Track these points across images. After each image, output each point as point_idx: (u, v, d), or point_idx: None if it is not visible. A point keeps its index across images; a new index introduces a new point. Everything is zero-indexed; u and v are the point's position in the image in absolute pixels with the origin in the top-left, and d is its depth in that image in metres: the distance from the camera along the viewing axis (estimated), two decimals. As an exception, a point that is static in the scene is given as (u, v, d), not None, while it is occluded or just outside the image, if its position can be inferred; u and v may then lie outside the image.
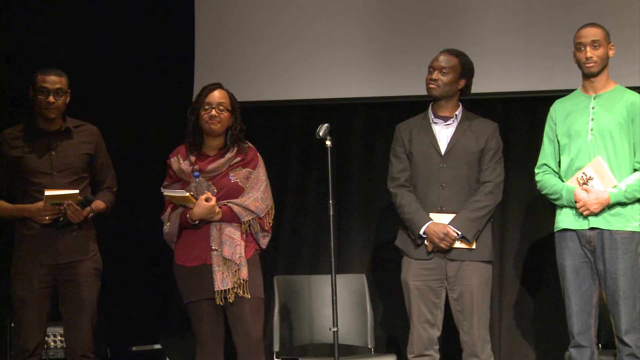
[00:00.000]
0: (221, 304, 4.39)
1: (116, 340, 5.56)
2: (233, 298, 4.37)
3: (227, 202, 4.43)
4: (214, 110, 4.46)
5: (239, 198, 4.46)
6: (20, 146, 4.61)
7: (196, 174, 4.42)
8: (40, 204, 4.49)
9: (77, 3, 5.82)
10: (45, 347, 5.13)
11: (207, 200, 4.37)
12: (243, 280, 4.38)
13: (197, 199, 4.38)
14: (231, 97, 4.55)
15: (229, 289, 4.37)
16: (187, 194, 4.36)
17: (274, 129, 5.99)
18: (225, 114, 4.49)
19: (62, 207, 4.49)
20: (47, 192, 4.44)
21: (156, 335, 5.73)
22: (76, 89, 4.73)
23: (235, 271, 4.38)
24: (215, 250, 4.39)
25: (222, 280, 4.36)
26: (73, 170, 4.64)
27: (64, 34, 5.76)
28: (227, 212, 4.42)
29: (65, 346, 4.77)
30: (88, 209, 4.57)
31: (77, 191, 4.52)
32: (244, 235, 4.46)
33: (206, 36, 5.97)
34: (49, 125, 4.64)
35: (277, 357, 5.14)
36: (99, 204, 4.69)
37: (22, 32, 5.68)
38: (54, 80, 4.59)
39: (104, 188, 4.79)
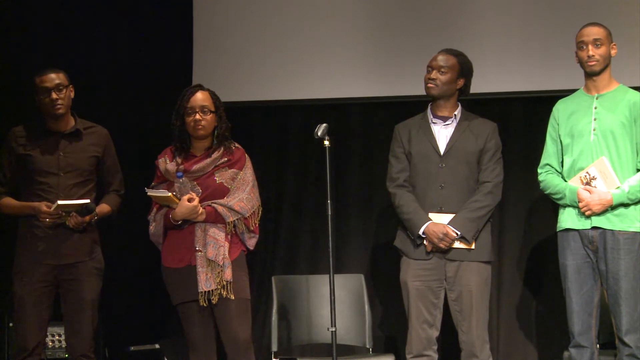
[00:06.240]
0: (205, 305, 4.38)
1: (114, 340, 5.56)
2: (217, 299, 4.36)
3: (212, 202, 4.42)
4: (197, 114, 4.44)
5: (224, 198, 4.45)
6: (29, 144, 4.62)
7: (179, 174, 4.41)
8: (44, 204, 4.49)
9: (76, 3, 5.82)
10: (45, 346, 5.13)
11: (189, 200, 4.36)
12: (226, 281, 4.37)
13: (180, 199, 4.38)
14: (213, 96, 4.52)
15: (212, 290, 4.36)
16: (169, 194, 4.35)
17: (272, 129, 6.00)
18: (209, 116, 4.47)
19: (64, 215, 4.50)
20: (60, 202, 4.44)
21: (154, 335, 5.72)
22: (75, 90, 4.72)
23: (219, 272, 4.36)
24: (200, 251, 4.38)
25: (206, 282, 4.35)
26: (79, 171, 4.64)
27: (63, 34, 5.76)
28: (212, 213, 4.40)
29: (64, 346, 4.77)
30: (92, 213, 4.57)
31: (88, 201, 4.53)
32: (229, 237, 4.44)
33: (204, 37, 5.97)
34: (58, 126, 4.64)
35: (275, 357, 5.14)
36: (103, 208, 4.69)
37: (22, 33, 5.69)
38: (52, 78, 4.59)
39: (111, 191, 4.79)
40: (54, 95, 4.57)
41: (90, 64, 5.76)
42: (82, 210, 4.52)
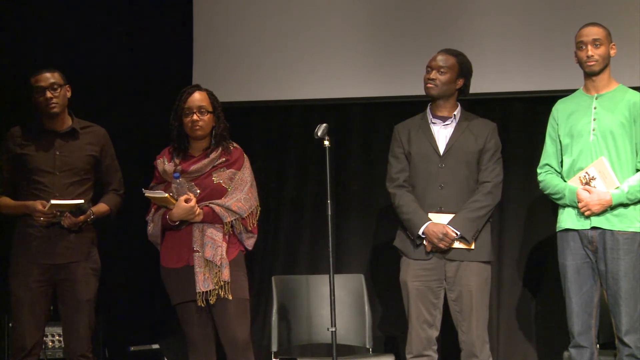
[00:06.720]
0: (203, 305, 4.38)
1: (114, 340, 5.56)
2: (214, 299, 4.36)
3: (209, 202, 4.42)
4: (195, 114, 4.43)
5: (222, 199, 4.45)
6: (26, 144, 4.63)
7: (176, 174, 4.40)
8: (39, 202, 4.49)
9: (76, 3, 5.82)
10: (44, 347, 5.13)
11: (186, 201, 4.36)
12: (224, 281, 4.36)
13: (177, 200, 4.38)
14: (211, 96, 4.51)
15: (210, 291, 4.36)
16: (166, 194, 4.35)
17: (272, 129, 6.00)
18: (207, 116, 4.46)
19: (58, 214, 4.50)
20: (53, 201, 4.45)
21: (154, 335, 5.73)
22: (74, 90, 4.73)
23: (216, 273, 4.36)
24: (197, 251, 4.38)
25: (204, 282, 4.35)
26: (75, 170, 4.64)
27: (62, 34, 5.76)
28: (209, 213, 4.40)
29: (63, 346, 4.77)
30: (87, 212, 4.57)
31: (82, 201, 4.53)
32: (227, 237, 4.44)
33: (204, 37, 5.97)
34: (55, 125, 4.65)
35: (275, 357, 5.14)
36: (101, 207, 4.70)
37: (22, 33, 5.69)
38: (47, 77, 4.60)
39: (110, 190, 4.79)
40: (49, 95, 4.58)
41: (90, 64, 5.76)
42: (75, 210, 4.52)
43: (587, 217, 4.47)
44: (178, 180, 4.40)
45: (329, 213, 4.42)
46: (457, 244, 4.62)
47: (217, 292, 4.36)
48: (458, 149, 4.69)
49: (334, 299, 4.40)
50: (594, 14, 5.13)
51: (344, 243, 5.80)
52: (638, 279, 4.43)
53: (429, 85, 4.71)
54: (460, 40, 5.33)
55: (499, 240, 5.60)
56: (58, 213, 4.51)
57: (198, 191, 4.43)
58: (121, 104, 5.85)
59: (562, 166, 4.62)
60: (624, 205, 4.45)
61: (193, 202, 4.37)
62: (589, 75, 4.56)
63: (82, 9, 5.83)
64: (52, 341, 5.29)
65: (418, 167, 4.71)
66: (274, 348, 5.15)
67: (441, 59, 4.71)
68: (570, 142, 4.57)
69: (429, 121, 4.76)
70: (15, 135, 4.66)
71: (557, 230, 4.61)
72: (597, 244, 4.46)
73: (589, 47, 4.51)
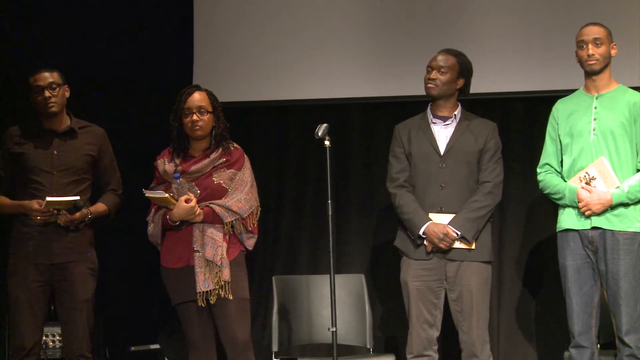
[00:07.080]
0: (203, 305, 4.38)
1: (115, 340, 5.56)
2: (215, 299, 4.36)
3: (210, 203, 4.42)
4: (194, 115, 4.44)
5: (222, 199, 4.45)
6: (24, 143, 4.63)
7: (176, 175, 4.40)
8: (35, 202, 4.49)
9: (76, 3, 5.82)
10: (44, 347, 5.13)
11: (187, 201, 4.36)
12: (225, 281, 4.37)
13: (177, 200, 4.38)
14: (211, 96, 4.52)
15: (210, 290, 4.36)
16: (166, 195, 4.36)
17: (273, 129, 6.00)
18: (207, 116, 4.47)
19: (55, 212, 4.50)
20: (49, 198, 4.45)
21: (155, 335, 5.72)
22: (74, 90, 4.73)
23: (217, 272, 4.36)
24: (198, 251, 4.38)
25: (204, 282, 4.35)
26: (74, 170, 4.64)
27: (62, 34, 5.76)
28: (209, 213, 4.40)
29: (63, 346, 4.77)
30: (85, 211, 4.57)
31: (77, 198, 4.53)
32: (227, 237, 4.44)
33: (204, 37, 5.97)
34: (53, 125, 4.65)
35: (275, 357, 5.14)
36: (99, 207, 4.70)
37: (21, 33, 5.69)
38: (46, 76, 4.60)
39: (108, 190, 4.79)
40: (47, 94, 4.58)
41: (90, 64, 5.76)
42: (71, 207, 4.52)
43: (588, 217, 4.47)
44: (178, 181, 4.40)
45: (330, 213, 4.42)
46: (457, 244, 4.62)
47: (217, 292, 4.36)
48: (458, 149, 4.69)
49: (335, 299, 4.40)
50: (594, 14, 5.13)
51: (344, 243, 5.80)
52: (638, 279, 4.44)
53: (429, 85, 4.71)
54: (460, 40, 5.33)
55: (499, 240, 5.60)
56: (55, 211, 4.51)
57: (198, 191, 4.44)
58: (121, 104, 5.84)
59: (562, 166, 4.62)
60: (625, 205, 4.45)
61: (193, 203, 4.37)
62: (590, 74, 4.56)
63: (82, 9, 5.83)
64: (53, 341, 5.28)
65: (418, 167, 4.71)
66: (275, 348, 5.15)
67: (441, 59, 4.71)
68: (570, 142, 4.57)
69: (430, 121, 4.76)
70: (14, 135, 4.67)
71: (557, 230, 4.61)
72: (597, 244, 4.46)
73: (590, 46, 4.51)
